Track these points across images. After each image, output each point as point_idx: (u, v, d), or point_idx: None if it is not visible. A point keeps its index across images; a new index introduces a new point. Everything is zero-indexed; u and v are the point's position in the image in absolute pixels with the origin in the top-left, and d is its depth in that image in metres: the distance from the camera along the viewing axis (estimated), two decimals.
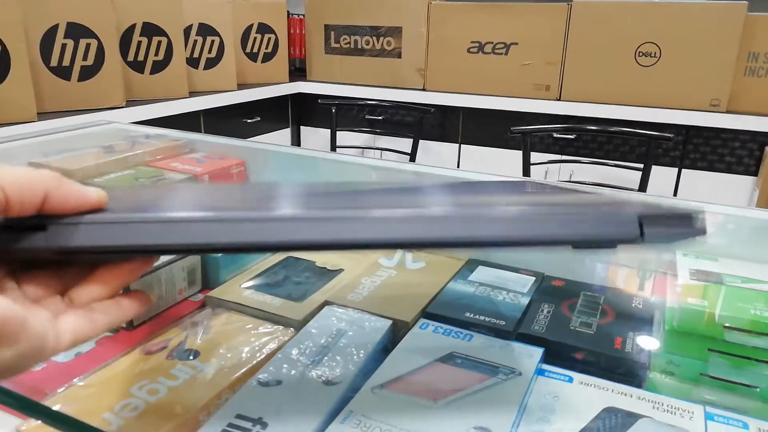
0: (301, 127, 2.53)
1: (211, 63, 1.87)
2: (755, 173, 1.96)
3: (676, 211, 0.29)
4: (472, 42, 2.14)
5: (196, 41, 1.81)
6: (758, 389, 0.42)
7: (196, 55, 1.82)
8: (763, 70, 1.86)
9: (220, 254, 0.56)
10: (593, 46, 1.98)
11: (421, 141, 2.18)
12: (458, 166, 2.34)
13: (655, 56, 1.92)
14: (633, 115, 1.97)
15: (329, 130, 2.14)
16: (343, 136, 2.28)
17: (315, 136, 2.53)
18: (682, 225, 0.29)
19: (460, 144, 2.31)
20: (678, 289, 0.46)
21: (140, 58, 1.61)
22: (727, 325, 0.42)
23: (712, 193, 2.01)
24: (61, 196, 0.25)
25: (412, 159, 2.14)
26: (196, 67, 1.83)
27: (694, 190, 2.03)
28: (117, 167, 0.72)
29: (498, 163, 2.22)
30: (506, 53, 2.10)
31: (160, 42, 1.64)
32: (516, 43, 2.08)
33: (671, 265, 0.54)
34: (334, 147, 2.16)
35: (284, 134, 2.40)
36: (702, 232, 0.29)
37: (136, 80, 1.62)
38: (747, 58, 1.86)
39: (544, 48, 2.05)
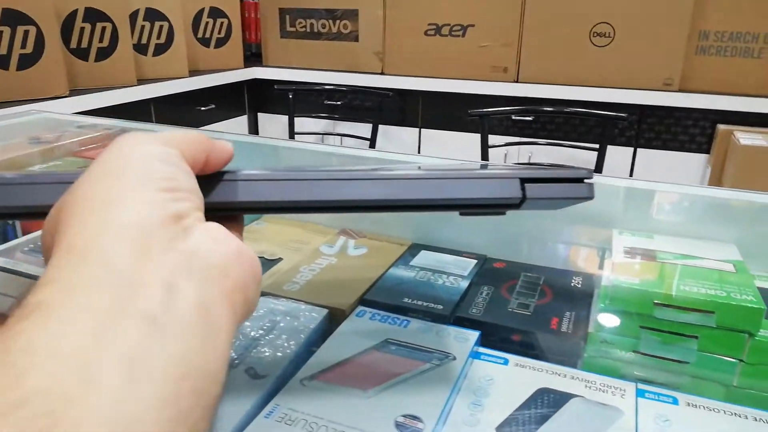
0: (259, 114, 2.49)
1: (160, 49, 1.81)
2: (708, 151, 2.00)
3: (560, 174, 0.29)
4: (429, 24, 2.12)
5: (143, 27, 1.75)
6: (689, 364, 0.42)
7: (144, 41, 1.76)
8: (713, 49, 1.90)
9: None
10: (549, 27, 1.98)
11: (381, 126, 2.16)
12: (419, 152, 2.33)
13: (609, 36, 1.94)
14: (589, 96, 1.99)
15: (287, 117, 2.11)
16: (302, 123, 2.25)
17: (273, 123, 2.49)
18: (566, 188, 0.28)
19: (420, 128, 2.30)
20: (611, 267, 0.46)
21: (84, 45, 1.55)
22: (656, 301, 0.42)
23: (666, 172, 2.05)
24: (217, 155, 0.26)
25: (372, 145, 2.12)
26: (145, 54, 1.77)
27: (650, 170, 2.06)
28: (42, 158, 0.69)
29: (458, 147, 2.22)
30: (463, 35, 2.09)
31: (104, 28, 1.58)
32: (473, 25, 2.08)
33: (610, 238, 0.54)
34: (292, 134, 2.12)
35: (241, 122, 2.36)
36: (588, 196, 0.29)
37: (80, 68, 1.56)
38: (698, 36, 1.89)
39: (500, 30, 2.04)
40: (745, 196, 0.53)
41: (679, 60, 1.90)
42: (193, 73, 1.96)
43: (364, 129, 2.16)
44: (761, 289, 0.49)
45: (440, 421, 0.37)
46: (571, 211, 0.62)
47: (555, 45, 2.00)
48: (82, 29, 1.54)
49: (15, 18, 1.35)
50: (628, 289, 0.42)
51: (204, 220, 0.23)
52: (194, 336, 0.18)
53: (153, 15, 1.76)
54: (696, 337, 0.42)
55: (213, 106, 2.10)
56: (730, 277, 0.44)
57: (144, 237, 0.19)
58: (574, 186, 0.29)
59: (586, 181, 0.29)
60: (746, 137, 1.76)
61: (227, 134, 1.19)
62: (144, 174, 0.22)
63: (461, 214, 0.32)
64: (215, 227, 0.23)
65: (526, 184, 0.28)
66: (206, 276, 0.20)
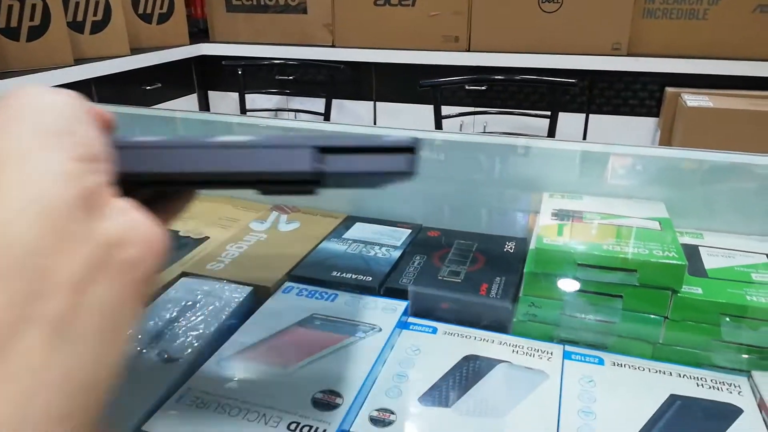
0: (209, 92, 2.42)
1: (97, 26, 1.73)
2: (657, 114, 2.02)
3: (373, 143, 0.23)
4: None
5: (78, 3, 1.66)
6: (614, 323, 0.42)
7: (79, 18, 1.68)
8: (660, 12, 1.91)
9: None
10: None
11: (335, 100, 2.12)
12: (375, 124, 2.31)
13: (557, 2, 1.93)
14: (539, 63, 1.99)
15: (238, 94, 2.05)
16: (254, 99, 2.19)
17: (225, 101, 2.43)
18: (378, 161, 0.23)
19: (375, 101, 2.27)
20: (538, 230, 0.45)
21: (13, 24, 1.47)
22: (580, 263, 0.41)
23: (618, 137, 2.07)
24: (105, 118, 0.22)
25: (327, 119, 2.09)
26: (81, 32, 1.69)
27: (602, 135, 2.08)
28: None
29: (414, 119, 2.20)
30: (413, 4, 2.06)
31: (34, 5, 1.50)
32: None
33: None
34: (243, 111, 2.07)
35: (190, 100, 2.29)
36: (407, 171, 0.23)
37: (12, 49, 1.48)
38: None
39: None
40: (673, 152, 0.52)
41: (627, 24, 1.91)
42: (135, 51, 1.88)
43: (318, 104, 2.12)
44: (688, 246, 0.49)
45: (360, 394, 0.36)
46: (507, 176, 0.61)
47: (505, 12, 1.98)
48: (10, 7, 1.46)
49: None
50: (552, 251, 0.42)
51: (117, 195, 0.19)
52: (100, 343, 0.16)
53: None
54: (621, 297, 0.42)
55: (159, 84, 2.03)
56: (655, 235, 0.44)
57: (55, 221, 0.16)
58: (390, 158, 0.23)
59: (405, 152, 0.23)
60: (693, 99, 1.78)
61: (169, 112, 1.14)
62: (56, 134, 0.18)
63: (260, 192, 0.27)
64: (128, 207, 0.19)
65: (327, 156, 0.22)
66: (119, 270, 0.17)
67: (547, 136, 1.76)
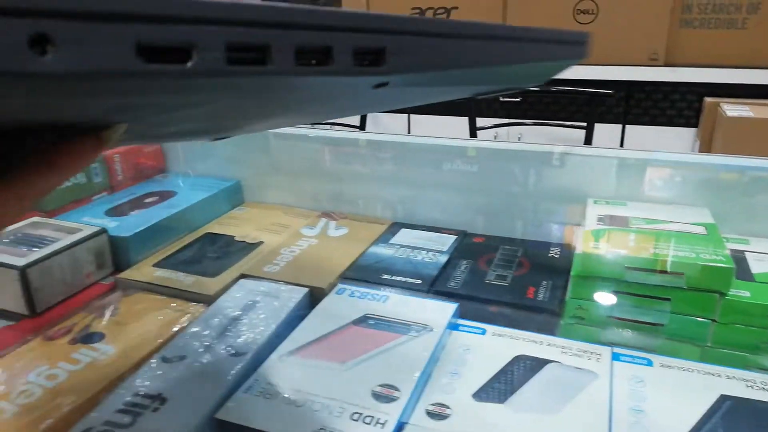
0: None
1: None
2: (695, 125, 2.00)
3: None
4: (413, 8, 2.11)
5: None
6: (662, 326, 0.43)
7: None
8: (697, 21, 1.89)
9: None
10: (532, 6, 1.98)
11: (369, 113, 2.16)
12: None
13: (593, 13, 1.93)
14: (575, 74, 1.98)
15: None
16: None
17: None
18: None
19: (409, 113, 2.30)
20: (584, 235, 0.46)
21: None
22: (628, 266, 0.42)
23: (655, 147, 2.05)
24: None
25: (362, 130, 2.12)
26: None
27: (639, 146, 2.06)
28: None
29: (448, 131, 2.22)
30: (447, 17, 2.08)
31: None
32: (456, 8, 2.07)
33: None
34: None
35: None
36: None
37: None
38: (681, 9, 1.89)
39: (484, 11, 2.04)
40: (715, 159, 0.53)
41: (664, 34, 1.90)
42: None
43: (353, 117, 2.16)
44: (734, 251, 0.49)
45: (417, 389, 0.37)
46: (548, 184, 0.62)
47: (539, 22, 1.99)
48: None
49: None
50: (599, 255, 0.43)
51: None
52: None
53: None
54: (668, 299, 0.42)
55: None
56: (701, 239, 0.45)
57: None
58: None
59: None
60: (732, 109, 1.76)
61: None
62: None
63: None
64: None
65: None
66: None
67: (584, 142, 1.76)
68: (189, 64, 0.16)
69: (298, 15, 0.18)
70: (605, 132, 2.04)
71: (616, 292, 0.44)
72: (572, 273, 0.44)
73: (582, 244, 0.45)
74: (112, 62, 0.15)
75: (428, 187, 0.63)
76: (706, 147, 1.91)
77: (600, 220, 0.49)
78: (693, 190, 0.53)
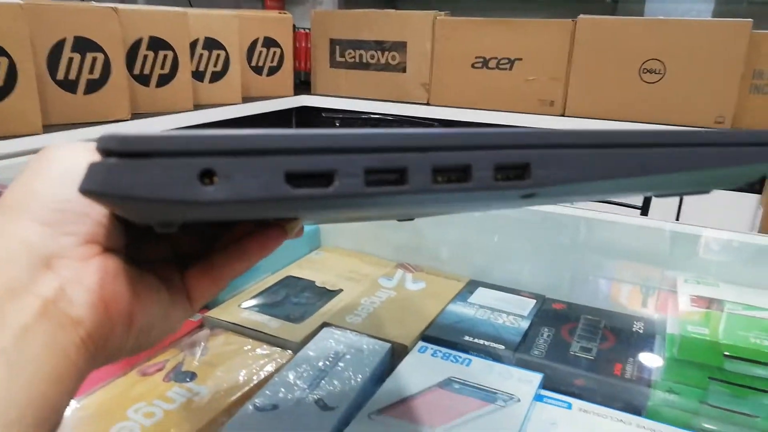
0: None
1: (216, 77, 1.88)
2: (759, 191, 1.94)
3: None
4: (476, 57, 2.15)
5: (201, 55, 1.82)
6: (759, 419, 0.42)
7: (201, 68, 1.83)
8: None
9: None
10: (598, 62, 1.98)
11: None
12: None
13: (659, 73, 1.92)
14: None
15: None
16: None
17: None
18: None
19: None
20: (678, 316, 0.46)
21: (146, 71, 1.63)
22: (727, 353, 0.41)
23: (715, 214, 2.00)
24: None
25: None
26: (202, 80, 1.84)
27: (698, 210, 2.01)
28: None
29: None
30: (510, 68, 2.10)
31: (166, 56, 1.65)
32: (520, 59, 2.09)
33: (673, 283, 0.54)
34: None
35: None
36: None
37: (142, 93, 1.63)
38: (752, 75, 1.86)
39: (548, 64, 2.05)
40: None
41: (732, 98, 1.87)
42: (246, 99, 2.02)
43: None
44: None
45: None
46: (627, 253, 0.62)
47: (603, 80, 1.99)
48: (146, 56, 1.61)
49: (85, 45, 1.43)
50: (697, 340, 0.42)
51: (97, 252, 0.22)
52: (42, 373, 0.20)
53: (212, 44, 1.83)
54: (767, 392, 0.41)
55: None
56: None
57: (8, 278, 0.20)
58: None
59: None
60: None
61: None
62: (31, 201, 0.22)
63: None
64: (98, 267, 0.22)
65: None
66: (59, 323, 0.21)
67: (641, 213, 1.73)
68: (330, 188, 0.18)
69: (432, 139, 0.19)
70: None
71: (711, 379, 0.42)
72: (667, 355, 0.43)
73: (678, 325, 0.44)
74: (265, 190, 0.17)
75: (508, 249, 0.63)
76: None
77: (693, 300, 0.48)
78: None
